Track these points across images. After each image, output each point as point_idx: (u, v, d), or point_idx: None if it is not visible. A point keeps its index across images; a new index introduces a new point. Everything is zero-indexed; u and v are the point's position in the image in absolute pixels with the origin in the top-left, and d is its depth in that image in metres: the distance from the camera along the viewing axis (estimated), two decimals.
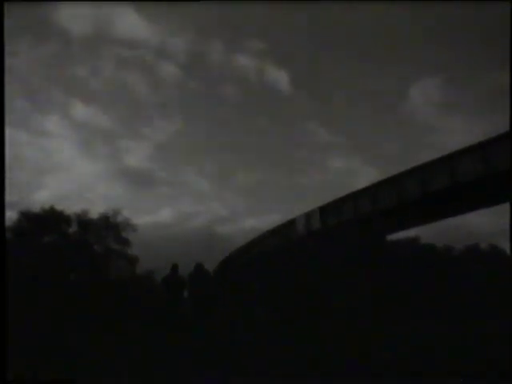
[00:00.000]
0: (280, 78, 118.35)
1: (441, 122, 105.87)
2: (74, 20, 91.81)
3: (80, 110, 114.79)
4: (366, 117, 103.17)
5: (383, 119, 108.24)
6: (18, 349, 21.91)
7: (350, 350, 24.31)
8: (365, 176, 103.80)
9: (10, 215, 33.26)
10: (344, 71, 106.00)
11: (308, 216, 33.72)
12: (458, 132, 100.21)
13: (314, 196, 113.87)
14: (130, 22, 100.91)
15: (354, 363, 22.92)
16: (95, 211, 38.56)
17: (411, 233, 38.43)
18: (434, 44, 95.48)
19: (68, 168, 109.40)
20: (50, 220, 33.85)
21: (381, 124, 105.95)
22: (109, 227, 35.16)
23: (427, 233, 51.94)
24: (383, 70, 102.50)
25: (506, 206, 25.77)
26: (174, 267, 41.25)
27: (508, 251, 37.14)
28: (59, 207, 34.88)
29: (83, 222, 34.95)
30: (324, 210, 32.46)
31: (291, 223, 35.86)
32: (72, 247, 33.28)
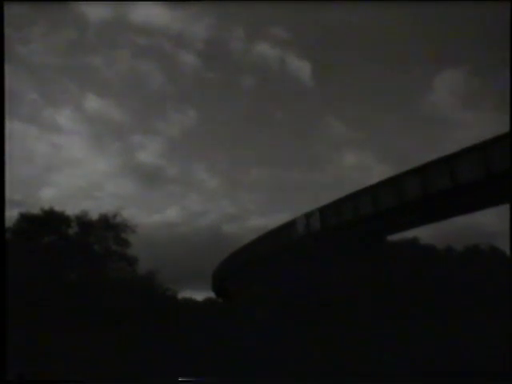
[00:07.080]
0: (301, 68, 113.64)
1: (461, 118, 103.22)
2: (91, 4, 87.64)
3: (93, 103, 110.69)
4: (386, 112, 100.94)
5: (403, 115, 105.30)
6: (18, 349, 21.87)
7: (351, 350, 24.33)
8: (381, 173, 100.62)
9: (17, 213, 33.38)
10: (366, 65, 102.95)
11: (308, 216, 33.65)
12: (478, 128, 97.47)
13: (327, 194, 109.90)
14: (148, 7, 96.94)
15: (354, 363, 22.96)
16: (102, 209, 38.65)
17: (410, 234, 38.33)
18: (459, 37, 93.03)
19: (78, 164, 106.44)
20: (49, 221, 33.84)
21: (400, 120, 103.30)
22: (109, 228, 35.19)
23: (427, 233, 51.89)
24: (404, 66, 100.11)
25: (506, 206, 25.78)
26: None
27: (508, 252, 37.13)
28: (67, 205, 35.06)
29: (83, 222, 34.97)
30: (324, 211, 32.40)
31: (291, 224, 35.79)
32: (72, 248, 33.27)
